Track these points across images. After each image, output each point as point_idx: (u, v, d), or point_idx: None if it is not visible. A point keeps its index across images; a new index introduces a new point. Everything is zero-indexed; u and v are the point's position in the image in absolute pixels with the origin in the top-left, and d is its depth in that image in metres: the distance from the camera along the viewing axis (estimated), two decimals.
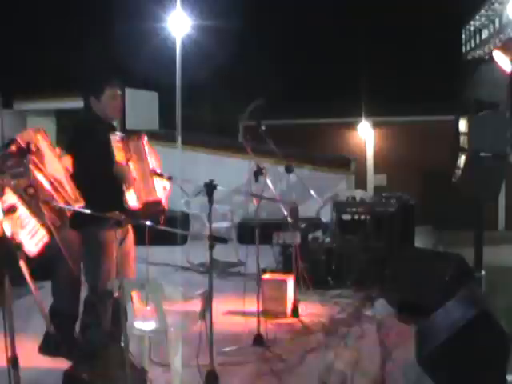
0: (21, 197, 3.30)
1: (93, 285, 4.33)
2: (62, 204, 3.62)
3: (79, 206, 3.78)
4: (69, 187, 3.79)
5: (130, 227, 4.56)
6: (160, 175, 4.38)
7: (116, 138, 4.24)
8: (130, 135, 4.45)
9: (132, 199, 4.27)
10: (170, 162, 4.66)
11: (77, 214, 3.76)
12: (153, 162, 4.43)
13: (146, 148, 4.40)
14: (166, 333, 4.01)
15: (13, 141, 3.55)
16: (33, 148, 3.43)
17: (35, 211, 3.37)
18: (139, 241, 4.63)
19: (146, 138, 4.45)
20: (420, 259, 6.29)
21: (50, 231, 3.38)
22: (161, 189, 4.42)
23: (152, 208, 4.35)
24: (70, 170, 3.92)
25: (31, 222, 3.31)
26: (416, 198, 8.55)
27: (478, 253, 5.85)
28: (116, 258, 3.86)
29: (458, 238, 8.45)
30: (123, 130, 4.50)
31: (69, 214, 3.72)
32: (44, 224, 3.38)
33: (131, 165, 4.27)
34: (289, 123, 14.63)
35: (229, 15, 13.28)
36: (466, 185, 5.57)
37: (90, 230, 4.19)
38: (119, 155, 4.23)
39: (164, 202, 4.47)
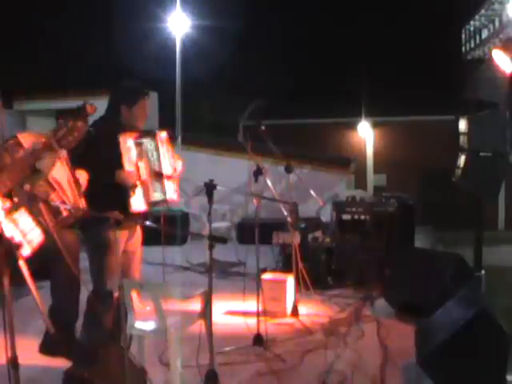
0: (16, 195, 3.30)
1: (95, 284, 4.34)
2: (59, 203, 3.62)
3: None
4: (70, 191, 3.78)
5: (138, 228, 4.56)
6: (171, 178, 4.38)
7: (127, 139, 4.23)
8: (144, 134, 4.43)
9: (137, 202, 4.26)
10: None
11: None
12: (167, 163, 4.41)
13: (160, 147, 4.38)
14: (166, 333, 4.01)
15: (13, 137, 3.55)
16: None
17: (31, 209, 3.37)
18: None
19: (162, 136, 4.43)
20: (420, 259, 6.28)
21: (45, 231, 3.38)
22: (172, 190, 4.43)
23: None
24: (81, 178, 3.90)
25: (27, 221, 3.31)
26: (416, 197, 8.57)
27: (478, 252, 5.86)
28: (119, 258, 3.87)
29: (457, 238, 8.46)
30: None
31: (66, 214, 3.71)
32: (39, 223, 3.38)
33: (141, 165, 4.27)
34: (289, 123, 14.65)
35: (228, 15, 13.29)
36: (466, 184, 5.57)
37: (94, 231, 4.20)
38: (129, 156, 4.22)
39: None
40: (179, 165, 4.59)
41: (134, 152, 4.26)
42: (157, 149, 4.35)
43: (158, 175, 4.34)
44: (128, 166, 4.23)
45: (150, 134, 4.43)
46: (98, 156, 4.13)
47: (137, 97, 4.40)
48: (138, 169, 4.26)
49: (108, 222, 3.64)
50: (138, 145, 4.28)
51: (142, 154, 4.29)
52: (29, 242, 3.26)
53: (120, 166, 4.20)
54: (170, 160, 4.45)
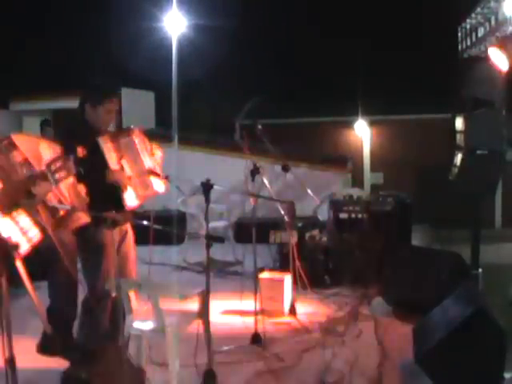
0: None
1: (91, 285, 4.33)
2: (56, 203, 3.62)
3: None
4: (66, 192, 3.77)
5: (129, 227, 4.56)
6: (156, 174, 4.40)
7: (105, 139, 4.24)
8: (120, 132, 4.45)
9: (130, 198, 4.29)
10: (166, 161, 4.66)
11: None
12: (147, 157, 4.43)
13: (138, 143, 4.39)
14: (164, 332, 4.01)
15: (8, 138, 3.55)
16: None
17: (29, 209, 3.37)
18: (139, 241, 4.66)
19: (137, 132, 4.44)
20: (417, 257, 6.29)
21: (43, 230, 3.38)
22: (159, 184, 4.45)
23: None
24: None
25: (24, 220, 3.30)
26: (413, 196, 8.56)
27: (475, 251, 5.86)
28: (115, 259, 3.87)
29: (454, 236, 8.46)
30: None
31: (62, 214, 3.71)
32: (37, 222, 3.38)
33: (124, 163, 4.28)
34: (285, 122, 14.62)
35: (225, 14, 13.27)
36: (463, 183, 5.58)
37: (89, 231, 4.19)
38: (111, 156, 4.23)
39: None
40: (158, 154, 4.60)
41: (114, 151, 4.27)
42: (135, 145, 4.36)
43: (142, 170, 4.36)
44: (113, 165, 4.24)
45: (126, 131, 4.44)
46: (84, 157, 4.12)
47: (100, 98, 4.35)
48: (122, 167, 4.28)
49: (103, 223, 3.64)
50: (117, 143, 4.29)
51: (122, 152, 4.30)
52: (28, 240, 3.25)
53: (106, 165, 4.21)
54: (148, 153, 4.47)
